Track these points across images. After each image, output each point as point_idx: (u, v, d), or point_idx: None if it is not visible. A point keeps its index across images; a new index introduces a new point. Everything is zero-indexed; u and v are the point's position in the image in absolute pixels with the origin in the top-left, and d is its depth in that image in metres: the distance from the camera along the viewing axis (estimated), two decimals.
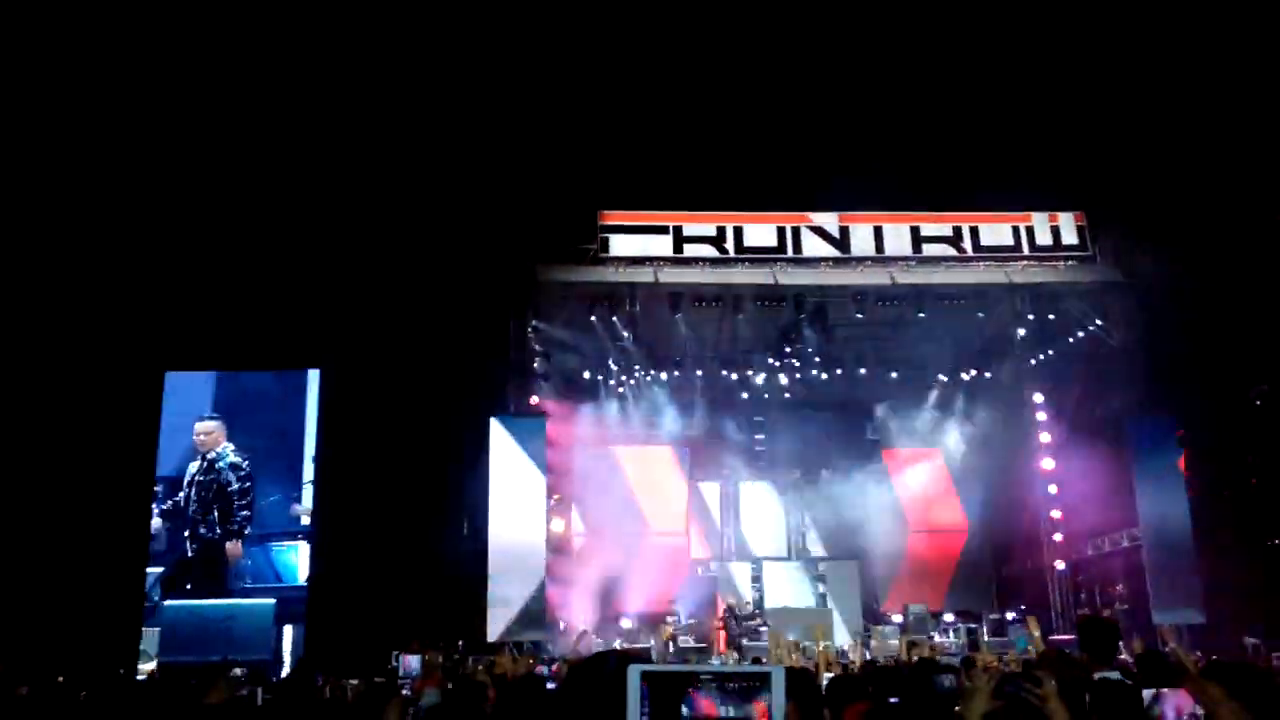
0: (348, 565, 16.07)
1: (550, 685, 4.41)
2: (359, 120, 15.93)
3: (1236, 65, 16.38)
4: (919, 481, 21.45)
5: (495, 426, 17.01)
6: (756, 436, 21.31)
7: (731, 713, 1.81)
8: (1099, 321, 18.35)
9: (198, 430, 16.59)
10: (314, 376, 16.88)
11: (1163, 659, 5.82)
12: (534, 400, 18.46)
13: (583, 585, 19.00)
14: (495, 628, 15.85)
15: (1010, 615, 17.36)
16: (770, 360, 19.51)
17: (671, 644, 16.29)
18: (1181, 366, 17.43)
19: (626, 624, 17.83)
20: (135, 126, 15.06)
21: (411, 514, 16.81)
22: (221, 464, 16.46)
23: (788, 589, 20.40)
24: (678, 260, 17.56)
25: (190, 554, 16.35)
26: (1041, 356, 19.68)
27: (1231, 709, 2.36)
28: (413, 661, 6.69)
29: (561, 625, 17.50)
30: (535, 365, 18.62)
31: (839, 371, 19.98)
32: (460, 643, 14.23)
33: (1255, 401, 17.25)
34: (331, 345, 16.12)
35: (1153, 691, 3.11)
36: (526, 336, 18.20)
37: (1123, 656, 8.68)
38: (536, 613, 16.27)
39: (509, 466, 17.15)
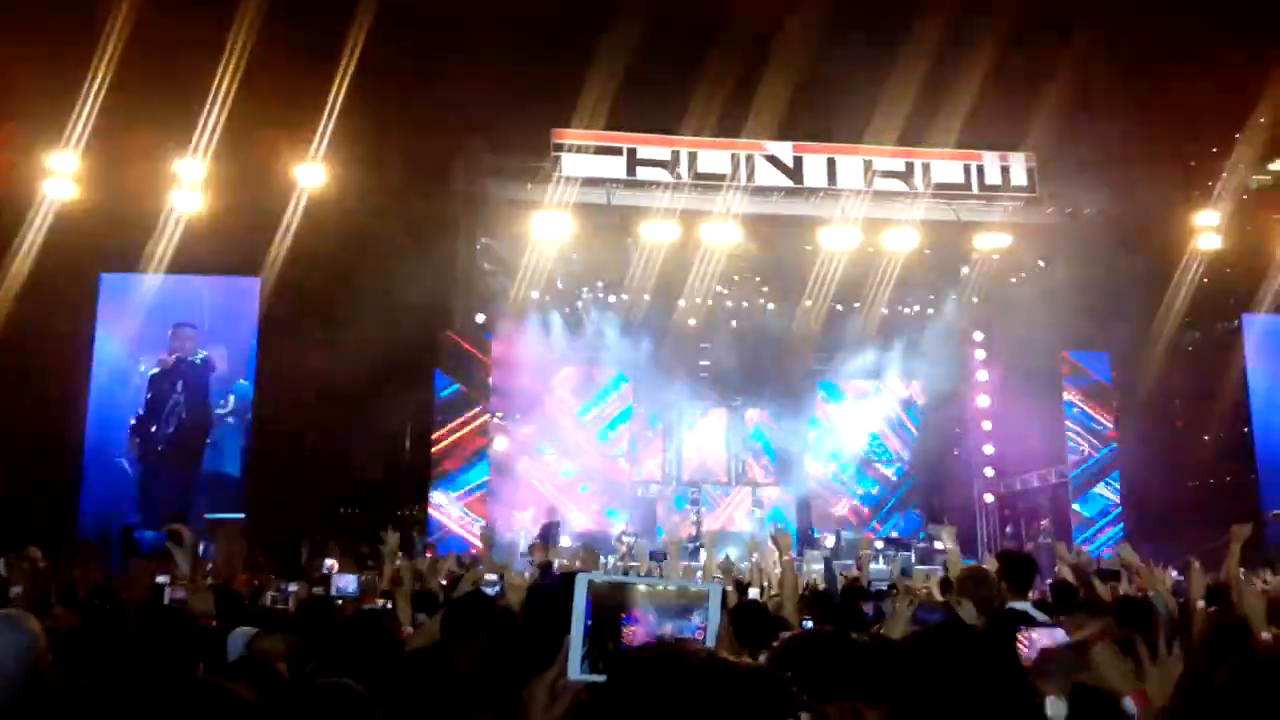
0: (283, 472, 16.01)
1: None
2: (312, 23, 15.35)
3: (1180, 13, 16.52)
4: (858, 412, 21.84)
5: (441, 341, 16.94)
6: (701, 363, 21.44)
7: (669, 628, 1.87)
8: (1040, 262, 18.68)
9: (183, 335, 16.28)
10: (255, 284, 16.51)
11: (1073, 592, 6.05)
12: (480, 318, 18.34)
13: (524, 504, 19.19)
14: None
15: (938, 544, 17.91)
16: (719, 287, 19.55)
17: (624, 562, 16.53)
18: (1117, 308, 17.90)
19: (566, 541, 18.04)
20: None
21: (351, 426, 16.75)
22: (198, 362, 16.23)
23: (726, 513, 20.82)
24: (630, 183, 17.40)
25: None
26: (983, 295, 20.02)
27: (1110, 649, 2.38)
28: (349, 582, 6.47)
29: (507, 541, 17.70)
30: (483, 283, 18.47)
31: (785, 302, 20.13)
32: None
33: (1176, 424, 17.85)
34: (275, 254, 15.74)
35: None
36: (475, 253, 18.01)
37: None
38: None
39: (455, 383, 17.21)
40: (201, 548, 8.52)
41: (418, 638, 3.27)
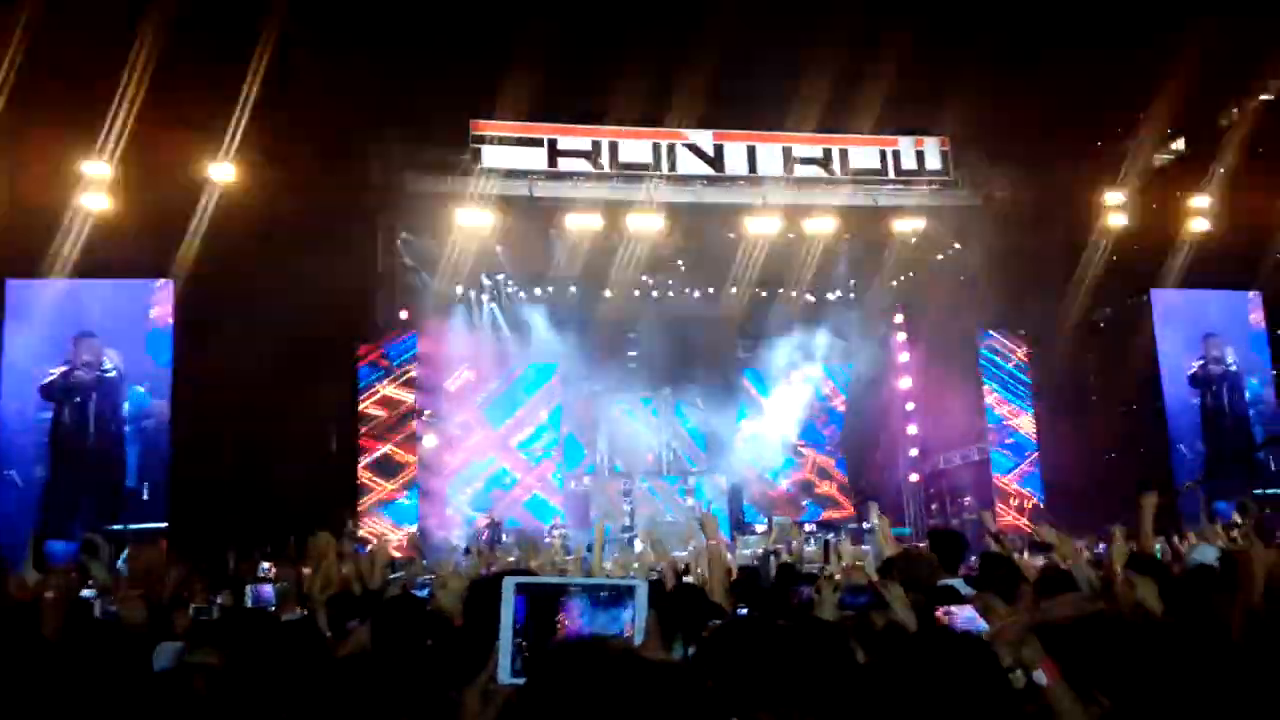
0: (205, 479, 15.58)
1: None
2: (221, 15, 14.90)
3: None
4: (786, 397, 22.09)
5: (366, 337, 16.70)
6: (629, 353, 21.47)
7: (602, 620, 1.86)
8: (956, 245, 19.09)
9: (87, 346, 15.59)
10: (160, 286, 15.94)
11: (1001, 561, 6.18)
12: (403, 315, 18.10)
13: (455, 503, 19.03)
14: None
15: (866, 525, 18.24)
16: (643, 277, 19.60)
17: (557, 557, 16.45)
18: (1031, 288, 18.40)
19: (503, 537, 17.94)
20: None
21: (272, 429, 16.37)
22: (108, 373, 15.58)
23: (658, 503, 20.90)
24: (552, 174, 17.31)
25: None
26: (903, 278, 20.42)
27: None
28: (265, 591, 6.30)
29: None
30: (405, 279, 18.23)
31: (711, 289, 20.27)
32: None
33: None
34: (186, 254, 15.25)
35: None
36: (395, 249, 17.75)
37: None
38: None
39: (377, 382, 17.00)
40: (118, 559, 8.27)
41: (347, 645, 3.21)
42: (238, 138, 15.13)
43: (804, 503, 21.54)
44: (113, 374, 15.59)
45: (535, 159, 17.19)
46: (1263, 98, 21.34)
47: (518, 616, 1.83)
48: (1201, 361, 18.45)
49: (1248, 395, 18.56)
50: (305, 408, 16.44)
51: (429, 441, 18.59)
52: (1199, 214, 18.01)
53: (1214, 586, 4.02)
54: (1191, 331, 18.62)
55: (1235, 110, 20.68)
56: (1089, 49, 17.50)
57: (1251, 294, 18.89)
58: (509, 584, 1.85)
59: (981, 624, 2.57)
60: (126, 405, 15.65)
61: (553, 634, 1.83)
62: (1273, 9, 17.28)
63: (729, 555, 15.97)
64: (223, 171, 15.13)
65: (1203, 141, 20.45)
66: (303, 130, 15.35)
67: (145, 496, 15.44)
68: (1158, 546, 7.19)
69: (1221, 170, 18.69)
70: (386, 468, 17.26)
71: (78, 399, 15.54)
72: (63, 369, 15.50)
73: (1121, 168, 18.10)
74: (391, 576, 6.62)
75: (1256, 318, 18.92)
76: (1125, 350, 18.84)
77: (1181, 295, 18.61)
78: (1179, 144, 21.05)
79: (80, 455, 15.51)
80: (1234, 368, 18.56)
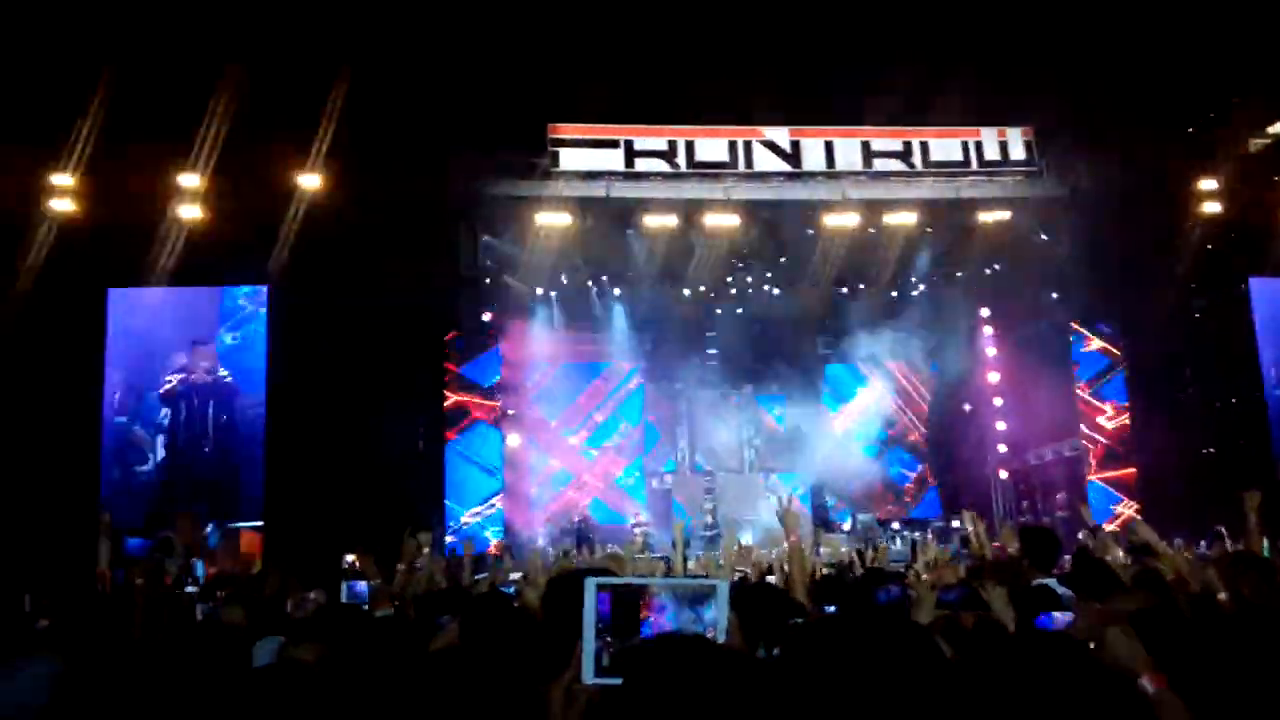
0: (300, 478, 16.05)
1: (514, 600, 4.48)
2: (305, 27, 15.34)
3: None
4: (869, 394, 21.82)
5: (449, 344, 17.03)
6: (708, 351, 21.46)
7: (686, 622, 1.89)
8: (1044, 236, 18.61)
9: (202, 353, 16.32)
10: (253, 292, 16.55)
11: (1096, 566, 6.04)
12: (486, 316, 18.39)
13: (539, 501, 19.27)
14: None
15: (954, 523, 17.92)
16: (723, 275, 19.57)
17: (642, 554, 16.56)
18: (1123, 279, 17.82)
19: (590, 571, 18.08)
20: None
21: (362, 430, 16.77)
22: (223, 378, 16.31)
23: (742, 501, 20.82)
24: (629, 175, 17.39)
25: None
26: (989, 271, 20.00)
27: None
28: (360, 588, 6.47)
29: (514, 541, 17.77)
30: (487, 281, 18.52)
31: (790, 286, 20.14)
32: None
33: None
34: (278, 261, 15.76)
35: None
36: (477, 252, 18.06)
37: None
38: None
39: (460, 384, 17.33)
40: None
41: (438, 640, 3.30)
42: (325, 147, 15.57)
43: (890, 501, 21.25)
44: (228, 379, 16.24)
45: (612, 160, 17.29)
46: None
47: (602, 615, 1.86)
48: None
49: None
50: (395, 410, 16.82)
51: (512, 441, 18.85)
52: None
53: None
54: None
55: None
56: (1178, 29, 16.87)
57: None
58: (590, 584, 1.88)
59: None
60: (236, 409, 16.31)
61: (636, 633, 1.86)
62: None
63: (813, 555, 15.89)
64: (310, 180, 15.58)
65: None
66: (385, 138, 15.71)
67: (247, 494, 16.03)
68: (1265, 544, 6.94)
69: None
70: (472, 467, 17.59)
71: (195, 401, 16.24)
72: (180, 375, 16.21)
73: (1216, 153, 17.41)
74: (478, 576, 6.76)
75: None
76: (1223, 342, 18.12)
77: None
78: (1275, 128, 20.15)
79: (195, 456, 16.22)
80: None
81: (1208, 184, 17.15)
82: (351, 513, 14.21)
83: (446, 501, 17.31)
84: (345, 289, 15.47)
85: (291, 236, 15.47)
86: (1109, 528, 15.03)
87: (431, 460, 17.61)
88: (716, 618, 1.88)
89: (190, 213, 15.37)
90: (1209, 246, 17.30)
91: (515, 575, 6.11)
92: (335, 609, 5.62)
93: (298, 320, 15.89)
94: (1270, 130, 20.11)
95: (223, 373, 16.18)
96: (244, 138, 14.96)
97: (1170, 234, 17.31)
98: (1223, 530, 5.47)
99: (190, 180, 15.33)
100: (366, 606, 5.86)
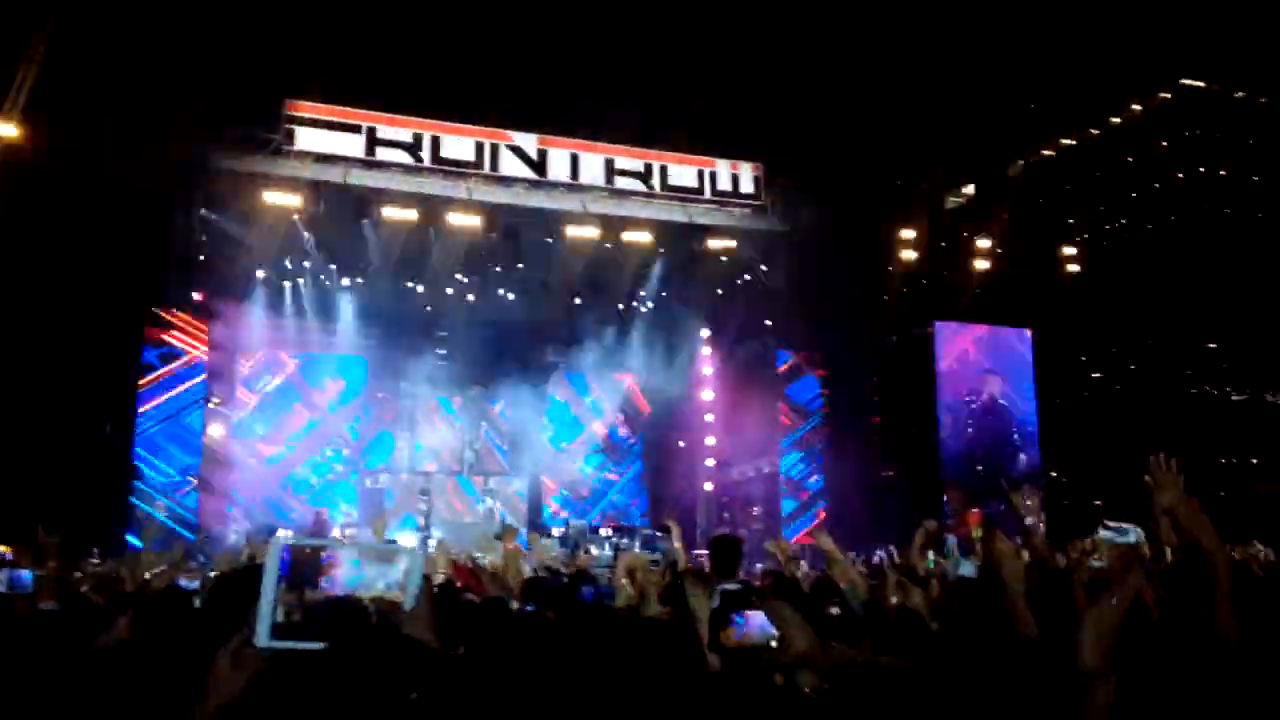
0: None
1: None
2: None
3: (905, 44, 18.15)
4: (594, 401, 22.39)
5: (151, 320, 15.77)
6: (438, 351, 21.15)
7: (371, 572, 1.83)
8: (764, 267, 19.92)
9: None
10: None
11: (778, 578, 6.52)
12: (196, 296, 17.19)
13: (241, 495, 18.22)
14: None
15: (659, 532, 18.68)
16: (457, 275, 19.40)
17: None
18: (830, 312, 19.45)
19: (284, 533, 17.28)
20: None
21: (47, 411, 15.19)
22: None
23: (456, 503, 20.69)
24: (369, 163, 16.85)
25: None
26: (713, 294, 21.11)
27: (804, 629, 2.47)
28: (25, 576, 5.83)
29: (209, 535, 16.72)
30: (201, 258, 17.29)
31: (526, 291, 20.26)
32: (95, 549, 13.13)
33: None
34: None
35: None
36: (193, 227, 16.80)
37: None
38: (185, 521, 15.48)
39: (164, 364, 16.10)
40: None
41: (104, 636, 3.07)
42: (25, 93, 13.97)
43: (603, 507, 21.85)
44: None
45: (352, 146, 16.70)
46: (1044, 153, 23.51)
47: (283, 574, 1.79)
48: (975, 392, 20.02)
49: (1014, 425, 20.26)
50: (83, 389, 15.34)
51: (215, 431, 17.74)
52: (982, 254, 19.65)
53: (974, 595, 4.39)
54: (968, 362, 20.17)
55: (1020, 162, 22.57)
56: (896, 93, 18.64)
57: (1023, 331, 20.66)
58: (277, 542, 1.80)
59: (772, 629, 2.53)
60: None
61: (316, 588, 1.80)
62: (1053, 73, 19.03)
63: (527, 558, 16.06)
64: (5, 129, 13.92)
65: (990, 188, 22.22)
66: (101, 94, 14.31)
67: None
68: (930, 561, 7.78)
69: (1005, 215, 20.45)
70: (166, 456, 16.38)
71: None
72: None
73: (914, 206, 19.50)
74: (156, 570, 6.33)
75: (1027, 352, 20.68)
76: (909, 377, 20.20)
77: (962, 328, 20.15)
78: (968, 188, 22.76)
79: None
80: (1003, 401, 20.22)
81: (907, 233, 19.10)
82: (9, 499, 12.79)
83: (137, 484, 16.03)
84: (36, 254, 13.95)
85: None
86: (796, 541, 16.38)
87: (120, 446, 16.21)
88: (407, 581, 1.86)
89: None
90: (904, 290, 19.28)
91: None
92: None
93: None
94: (964, 190, 22.70)
95: None
96: None
97: (873, 276, 19.15)
98: (892, 548, 6.17)
99: None
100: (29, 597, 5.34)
